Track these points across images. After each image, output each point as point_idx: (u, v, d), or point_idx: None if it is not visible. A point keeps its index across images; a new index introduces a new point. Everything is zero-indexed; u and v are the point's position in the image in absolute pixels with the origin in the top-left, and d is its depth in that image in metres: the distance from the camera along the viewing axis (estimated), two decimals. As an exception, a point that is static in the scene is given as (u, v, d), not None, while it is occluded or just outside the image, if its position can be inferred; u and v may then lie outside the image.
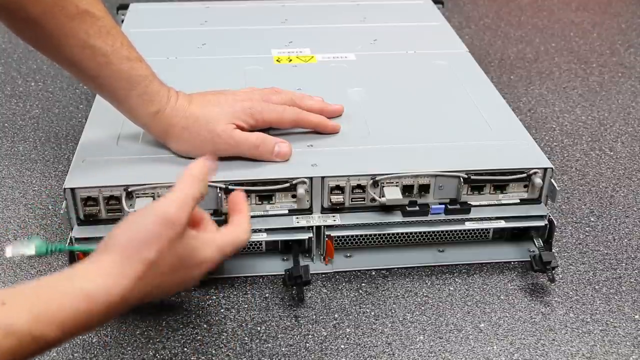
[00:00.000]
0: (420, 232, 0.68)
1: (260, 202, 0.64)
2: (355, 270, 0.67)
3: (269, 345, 0.58)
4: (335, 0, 1.06)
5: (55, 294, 0.45)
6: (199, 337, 0.59)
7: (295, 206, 0.65)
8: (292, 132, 0.70)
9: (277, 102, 0.69)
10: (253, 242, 0.66)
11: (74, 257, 0.63)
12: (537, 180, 0.65)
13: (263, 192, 0.63)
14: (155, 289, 0.50)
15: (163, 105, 0.63)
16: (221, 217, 0.63)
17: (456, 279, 0.66)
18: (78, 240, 0.62)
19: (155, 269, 0.48)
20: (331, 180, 0.64)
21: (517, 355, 0.58)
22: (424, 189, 0.65)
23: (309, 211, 0.65)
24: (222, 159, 0.65)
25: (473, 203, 0.66)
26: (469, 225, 0.66)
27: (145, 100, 0.63)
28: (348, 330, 0.60)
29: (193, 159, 0.64)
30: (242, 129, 0.65)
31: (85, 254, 0.63)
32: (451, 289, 0.65)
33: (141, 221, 0.49)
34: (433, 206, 0.65)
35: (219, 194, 0.62)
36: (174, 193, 0.51)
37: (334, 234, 0.65)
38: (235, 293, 0.64)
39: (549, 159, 0.66)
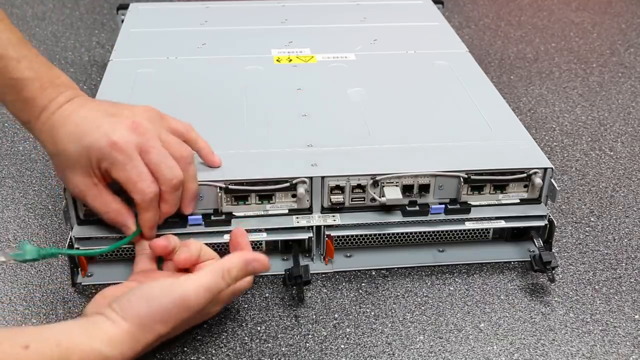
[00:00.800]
0: (420, 232, 0.68)
1: (260, 202, 0.64)
2: (355, 270, 0.67)
3: (269, 345, 0.58)
4: (335, 0, 1.06)
5: (75, 349, 0.48)
6: (199, 337, 0.59)
7: (295, 206, 0.65)
8: (291, 132, 0.70)
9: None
10: (253, 241, 0.66)
11: (74, 260, 0.63)
12: (537, 180, 0.65)
13: (263, 191, 0.63)
14: (158, 343, 0.54)
15: (35, 116, 0.57)
16: (221, 217, 0.63)
17: (456, 279, 0.66)
18: (78, 240, 0.62)
19: (165, 335, 0.53)
20: (331, 180, 0.64)
21: (517, 355, 0.58)
22: (424, 189, 0.65)
23: (309, 211, 0.65)
24: (221, 157, 0.65)
25: (473, 203, 0.66)
26: (469, 225, 0.66)
27: (17, 108, 0.58)
28: (348, 330, 0.60)
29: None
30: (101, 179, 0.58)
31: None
32: (451, 289, 0.65)
33: (161, 298, 0.51)
34: (433, 206, 0.65)
35: (219, 194, 0.62)
36: (201, 278, 0.53)
37: (334, 233, 0.65)
38: (235, 293, 0.64)
39: (549, 159, 0.66)
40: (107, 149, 0.55)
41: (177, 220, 0.62)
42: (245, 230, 0.63)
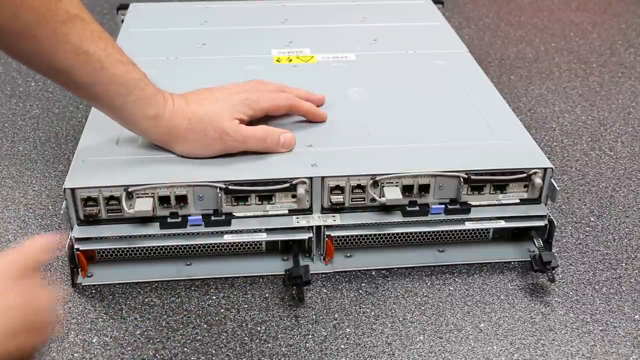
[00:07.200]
0: (420, 232, 0.68)
1: (260, 202, 0.64)
2: (355, 270, 0.67)
3: (269, 345, 0.58)
4: (335, 0, 1.06)
5: None
6: (199, 337, 0.59)
7: (295, 206, 0.65)
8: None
9: (266, 90, 0.70)
10: (253, 242, 0.66)
11: (73, 258, 0.63)
12: (537, 180, 0.65)
13: (263, 192, 0.63)
14: None
15: (161, 108, 0.62)
16: (221, 217, 0.63)
17: (456, 279, 0.66)
18: (78, 240, 0.62)
19: None
20: (331, 180, 0.64)
21: (517, 355, 0.58)
22: (424, 189, 0.65)
23: (309, 211, 0.65)
24: (221, 158, 0.65)
25: (473, 203, 0.66)
26: (469, 225, 0.66)
27: (143, 104, 0.61)
28: (348, 330, 0.60)
29: (197, 158, 0.64)
30: (242, 121, 0.65)
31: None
32: (451, 289, 0.65)
33: None
34: (433, 206, 0.65)
35: (219, 194, 0.62)
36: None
37: (334, 234, 0.65)
38: (235, 293, 0.64)
39: (549, 159, 0.66)
40: (243, 94, 0.67)
41: (177, 220, 0.62)
42: (245, 230, 0.63)
